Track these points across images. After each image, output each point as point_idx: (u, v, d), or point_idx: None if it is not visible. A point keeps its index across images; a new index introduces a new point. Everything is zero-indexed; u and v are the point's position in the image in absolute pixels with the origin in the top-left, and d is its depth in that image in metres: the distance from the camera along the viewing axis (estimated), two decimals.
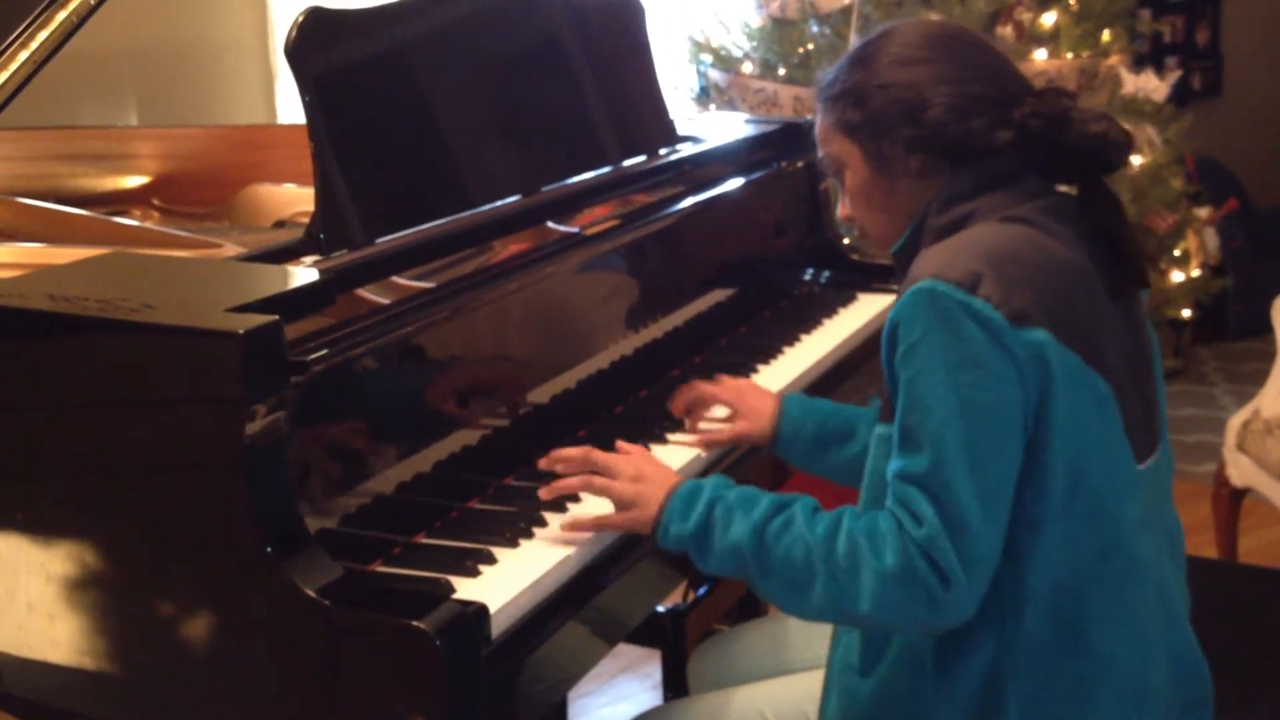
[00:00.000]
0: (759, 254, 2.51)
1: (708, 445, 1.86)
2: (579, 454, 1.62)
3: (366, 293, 1.65)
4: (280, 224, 2.23)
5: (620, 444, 1.66)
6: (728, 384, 1.89)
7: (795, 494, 1.50)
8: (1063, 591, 1.42)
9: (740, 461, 1.91)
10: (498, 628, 1.42)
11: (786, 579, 1.44)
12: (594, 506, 1.62)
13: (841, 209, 1.62)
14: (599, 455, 1.60)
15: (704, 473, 1.84)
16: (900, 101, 1.51)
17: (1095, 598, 1.43)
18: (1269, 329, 3.20)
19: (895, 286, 2.52)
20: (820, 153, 1.61)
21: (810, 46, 3.96)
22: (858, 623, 1.46)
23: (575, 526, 1.58)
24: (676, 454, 1.84)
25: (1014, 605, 1.42)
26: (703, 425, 1.89)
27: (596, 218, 2.04)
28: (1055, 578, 1.42)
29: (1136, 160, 4.11)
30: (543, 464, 1.65)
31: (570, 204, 2.04)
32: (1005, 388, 1.37)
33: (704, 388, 1.89)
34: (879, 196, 1.56)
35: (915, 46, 1.53)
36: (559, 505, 1.64)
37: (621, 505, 1.56)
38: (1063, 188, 1.57)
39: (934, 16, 3.58)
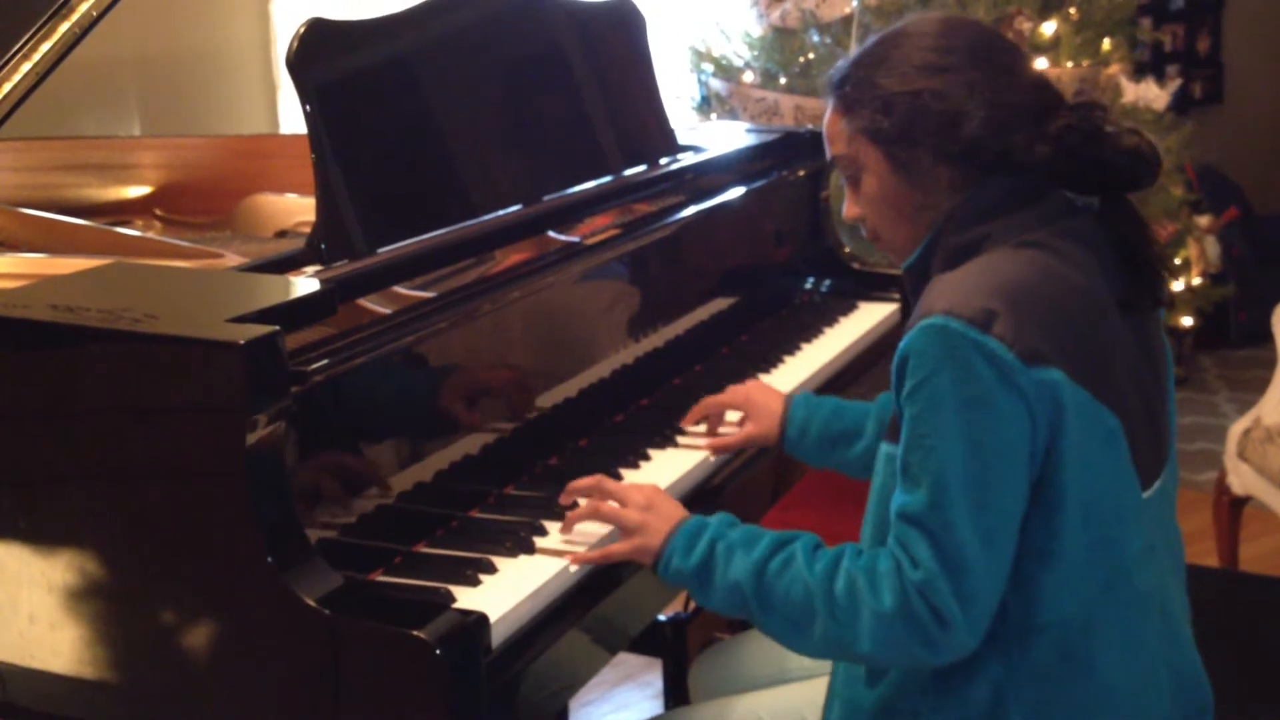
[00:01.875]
0: (760, 263, 2.51)
1: (719, 449, 1.87)
2: (591, 482, 1.62)
3: (368, 302, 1.65)
4: (282, 234, 2.23)
5: (629, 481, 1.66)
6: (735, 390, 1.90)
7: (797, 532, 1.49)
8: (1069, 624, 1.42)
9: (742, 469, 1.92)
10: (498, 637, 1.42)
11: (787, 618, 1.44)
12: (598, 529, 1.62)
13: (849, 209, 1.57)
14: (610, 484, 1.60)
15: (706, 478, 1.85)
16: (934, 113, 1.46)
17: (1101, 629, 1.43)
18: (1270, 337, 3.20)
19: (896, 295, 2.54)
20: (832, 152, 1.56)
21: (811, 56, 3.96)
22: (858, 660, 1.46)
23: (580, 560, 1.57)
24: (677, 459, 1.84)
25: (1020, 635, 1.42)
26: (719, 430, 1.91)
27: (597, 227, 2.04)
28: (1062, 610, 1.41)
29: None
30: (562, 499, 1.65)
31: (571, 213, 2.05)
32: (1013, 428, 1.35)
33: (713, 399, 1.90)
34: (901, 205, 1.52)
35: (943, 50, 1.47)
36: (559, 514, 1.64)
37: (627, 533, 1.55)
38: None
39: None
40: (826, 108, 1.57)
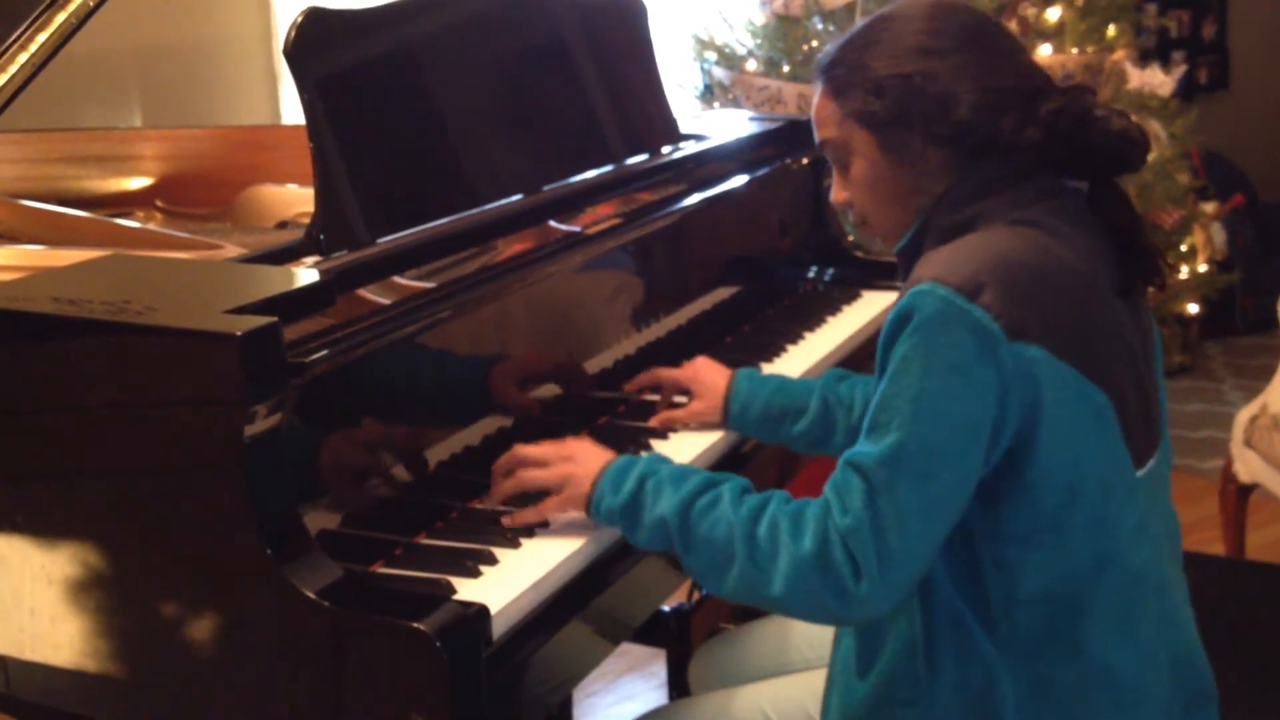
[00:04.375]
0: (763, 252, 2.50)
1: (667, 423, 1.88)
2: (508, 458, 1.64)
3: (367, 293, 1.64)
4: (283, 225, 2.23)
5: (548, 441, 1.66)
6: (685, 366, 1.92)
7: (727, 474, 1.50)
8: (1057, 600, 1.41)
9: (746, 460, 1.91)
10: (499, 628, 1.42)
11: (708, 556, 1.44)
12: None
13: (837, 193, 1.57)
14: (525, 449, 1.62)
15: (711, 467, 1.84)
16: (926, 96, 1.46)
17: (1092, 607, 1.42)
18: (1276, 324, 3.19)
19: (899, 284, 2.53)
20: (821, 136, 1.56)
21: (814, 44, 3.95)
22: (771, 605, 1.44)
23: (518, 521, 1.58)
24: (679, 449, 1.84)
25: (1007, 614, 1.41)
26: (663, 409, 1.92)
27: (599, 216, 2.03)
28: (1049, 586, 1.41)
29: None
30: (493, 495, 1.65)
31: (572, 203, 2.04)
32: (980, 404, 1.35)
33: (661, 372, 1.92)
34: (890, 189, 1.52)
35: (934, 33, 1.47)
36: (503, 501, 1.63)
37: (556, 488, 1.57)
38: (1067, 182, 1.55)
39: None
40: (815, 91, 1.56)
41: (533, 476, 1.59)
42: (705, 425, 1.89)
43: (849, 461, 1.38)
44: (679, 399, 1.93)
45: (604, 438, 1.86)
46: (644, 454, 1.55)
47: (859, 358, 2.31)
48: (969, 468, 1.37)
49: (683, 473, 1.50)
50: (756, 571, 1.40)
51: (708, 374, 1.90)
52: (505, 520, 1.58)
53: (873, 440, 1.37)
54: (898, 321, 1.39)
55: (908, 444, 1.35)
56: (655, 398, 1.96)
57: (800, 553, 1.37)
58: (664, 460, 1.54)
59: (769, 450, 1.95)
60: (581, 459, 1.57)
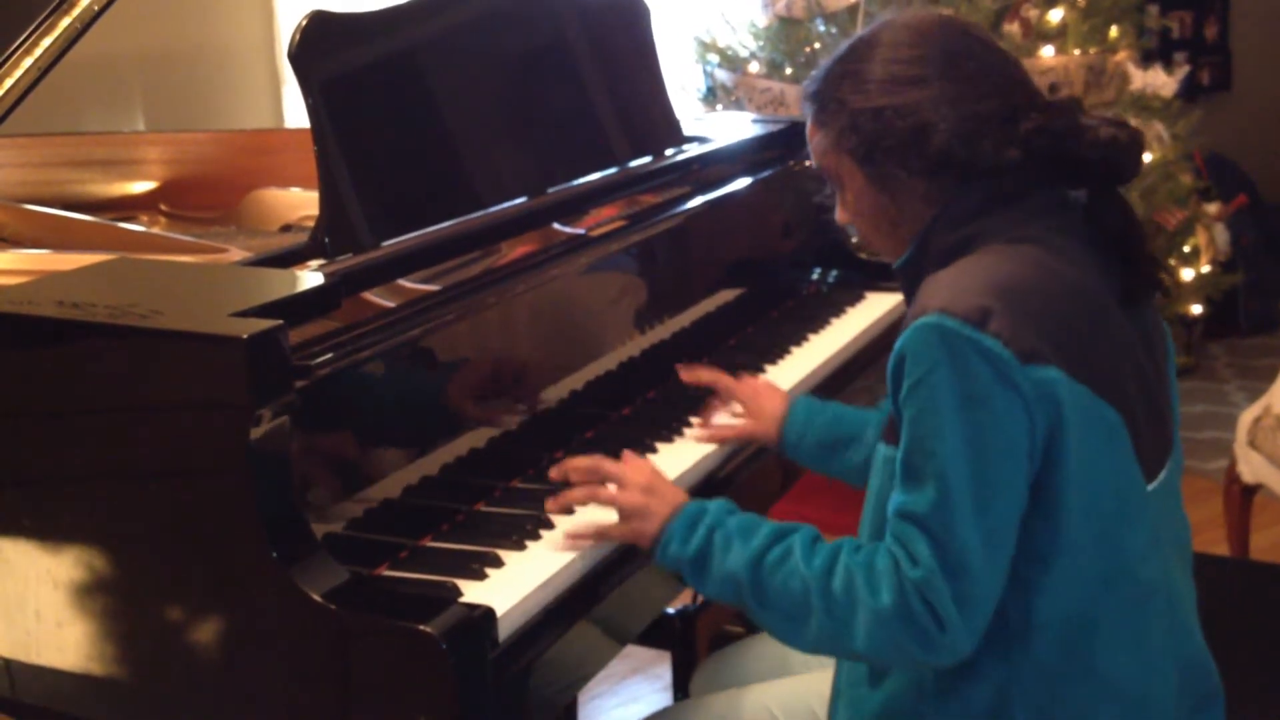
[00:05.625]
0: (766, 253, 2.50)
1: (714, 440, 1.86)
2: (588, 463, 1.61)
3: (372, 296, 1.64)
4: (287, 228, 2.23)
5: (627, 454, 1.64)
6: (746, 382, 1.89)
7: (796, 524, 1.48)
8: (1070, 621, 1.41)
9: (751, 460, 1.91)
10: (505, 630, 1.42)
11: (783, 612, 1.42)
12: (598, 513, 1.60)
13: (840, 214, 1.58)
14: (608, 465, 1.59)
15: (714, 469, 1.84)
16: (901, 130, 1.45)
17: (1103, 624, 1.42)
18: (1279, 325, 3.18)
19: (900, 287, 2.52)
20: (815, 162, 1.56)
21: (817, 45, 3.95)
22: (854, 658, 1.44)
23: (577, 534, 1.56)
24: (685, 450, 1.84)
25: (1022, 635, 1.41)
26: (714, 419, 1.89)
27: (603, 219, 2.04)
28: (1064, 608, 1.40)
29: (1146, 157, 4.09)
30: (553, 474, 1.64)
31: (576, 205, 2.04)
32: (1012, 426, 1.34)
33: (725, 380, 1.89)
34: (881, 215, 1.52)
35: (910, 61, 1.46)
36: (566, 508, 1.63)
37: (625, 516, 1.55)
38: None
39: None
40: (806, 117, 1.56)
41: (611, 496, 1.56)
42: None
43: (901, 513, 1.37)
44: (730, 414, 1.89)
45: (608, 437, 1.86)
46: (713, 500, 1.52)
47: (863, 359, 2.31)
48: (1018, 493, 1.36)
49: (751, 525, 1.47)
50: (836, 626, 1.38)
51: (766, 398, 1.86)
52: (568, 535, 1.56)
53: (915, 487, 1.36)
54: (908, 357, 1.37)
55: (954, 484, 1.33)
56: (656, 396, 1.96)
57: (879, 607, 1.35)
58: (731, 509, 1.51)
59: (770, 457, 1.94)
60: (658, 492, 1.54)
